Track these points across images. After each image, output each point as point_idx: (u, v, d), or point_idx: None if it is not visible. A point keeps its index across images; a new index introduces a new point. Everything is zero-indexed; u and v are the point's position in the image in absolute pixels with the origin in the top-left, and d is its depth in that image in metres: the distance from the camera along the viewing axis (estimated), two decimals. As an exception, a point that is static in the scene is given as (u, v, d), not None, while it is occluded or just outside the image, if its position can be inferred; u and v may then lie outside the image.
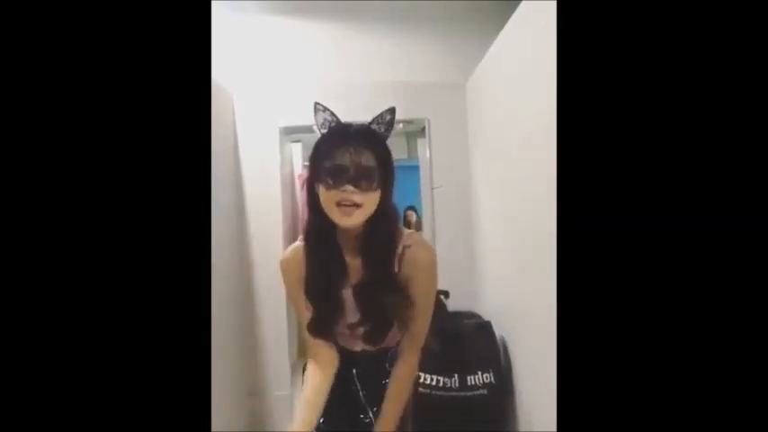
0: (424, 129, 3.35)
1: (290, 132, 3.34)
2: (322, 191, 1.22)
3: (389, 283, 1.31)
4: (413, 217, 4.67)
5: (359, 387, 1.49)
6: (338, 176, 1.18)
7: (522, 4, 2.08)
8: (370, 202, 1.21)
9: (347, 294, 1.35)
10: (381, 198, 1.24)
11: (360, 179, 1.19)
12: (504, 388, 2.59)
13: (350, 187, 1.18)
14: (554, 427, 1.52)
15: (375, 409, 1.46)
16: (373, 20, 3.36)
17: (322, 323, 1.37)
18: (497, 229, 2.74)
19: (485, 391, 2.57)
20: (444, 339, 2.71)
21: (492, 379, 2.58)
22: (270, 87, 3.28)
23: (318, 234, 1.33)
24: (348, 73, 3.22)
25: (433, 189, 3.35)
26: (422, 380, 2.62)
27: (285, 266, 1.45)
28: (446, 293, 3.04)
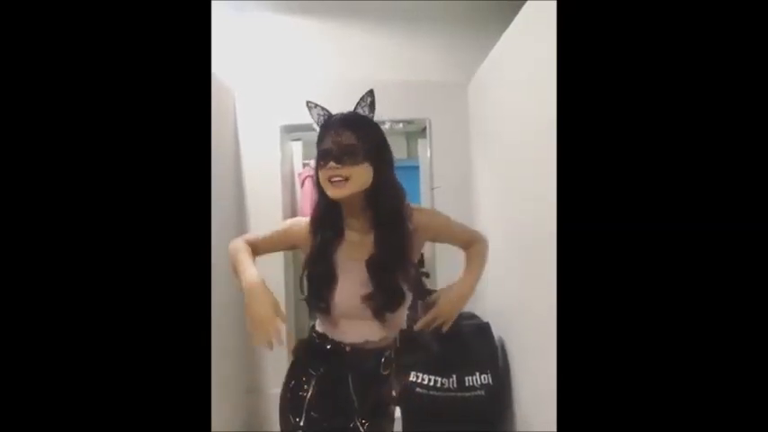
0: (424, 129, 3.35)
1: (290, 131, 3.34)
2: (318, 173, 1.38)
3: (401, 253, 1.40)
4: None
5: (353, 393, 1.45)
6: (324, 157, 1.35)
7: (526, 5, 2.08)
8: (357, 175, 1.34)
9: (360, 269, 1.39)
10: (376, 172, 1.37)
11: (341, 156, 1.33)
12: (501, 389, 2.59)
13: (332, 163, 1.33)
14: (552, 427, 1.52)
15: (366, 423, 1.45)
16: (375, 19, 3.36)
17: (320, 289, 1.41)
18: (497, 231, 2.74)
19: (482, 392, 2.57)
20: (442, 340, 2.71)
21: (490, 380, 2.58)
22: (271, 85, 3.28)
23: (323, 212, 1.44)
24: (349, 72, 3.21)
25: (432, 189, 3.35)
26: (419, 380, 2.62)
27: (290, 224, 1.54)
28: (445, 294, 3.03)
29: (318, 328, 1.50)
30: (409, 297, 1.44)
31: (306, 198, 4.14)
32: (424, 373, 2.62)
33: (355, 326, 1.42)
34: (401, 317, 1.48)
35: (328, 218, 1.43)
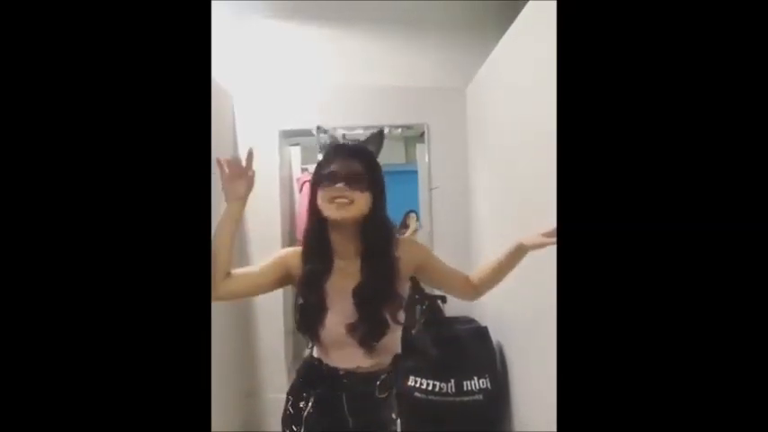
0: (422, 134, 3.36)
1: (289, 135, 3.35)
2: (320, 193, 1.41)
3: (388, 283, 1.43)
4: (413, 220, 4.67)
5: (347, 414, 1.47)
6: (332, 178, 1.40)
7: (524, 10, 2.09)
8: (360, 201, 1.40)
9: (346, 298, 1.41)
10: (373, 202, 1.43)
11: (350, 179, 1.39)
12: (500, 393, 2.59)
13: (341, 185, 1.38)
14: (549, 431, 1.52)
15: None
16: (374, 24, 3.37)
17: (309, 318, 1.43)
18: (495, 235, 2.74)
19: (481, 397, 2.57)
20: (441, 344, 2.71)
21: (488, 384, 2.58)
22: (270, 90, 3.29)
23: (313, 238, 1.47)
24: (348, 77, 3.22)
25: (431, 190, 3.35)
26: (418, 384, 2.62)
27: (283, 254, 1.54)
28: (443, 298, 3.04)
29: (314, 352, 1.53)
30: (395, 327, 1.45)
31: (304, 202, 4.14)
32: (422, 378, 2.62)
33: (346, 353, 1.44)
34: (393, 343, 1.50)
35: (318, 245, 1.46)
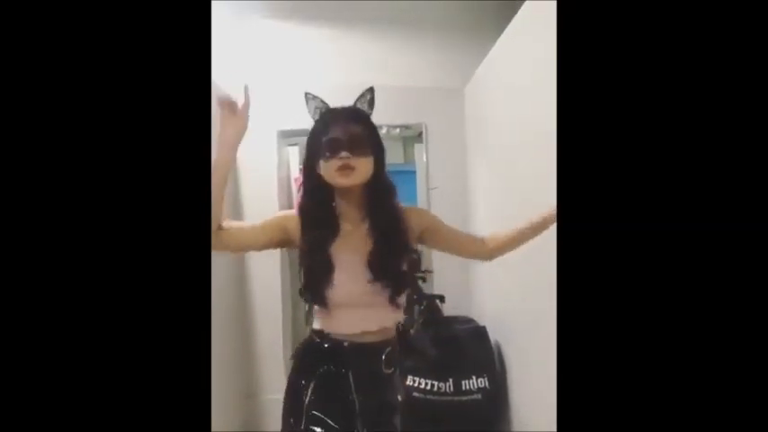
0: (421, 134, 3.36)
1: (287, 136, 3.35)
2: (322, 164, 1.39)
3: (401, 239, 1.45)
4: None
5: (354, 393, 1.41)
6: (335, 146, 1.37)
7: (521, 10, 2.10)
8: (363, 165, 1.38)
9: (356, 259, 1.40)
10: (375, 164, 1.42)
11: (353, 146, 1.37)
12: (498, 393, 2.60)
13: (345, 153, 1.36)
14: (548, 430, 1.52)
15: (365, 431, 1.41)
16: (372, 24, 3.37)
17: (317, 279, 1.40)
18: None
19: (479, 396, 2.58)
20: (439, 344, 2.71)
21: (486, 384, 2.58)
22: (268, 90, 3.28)
23: (317, 204, 1.44)
24: (346, 77, 3.22)
25: (429, 190, 3.35)
26: (416, 384, 2.62)
27: (282, 215, 1.49)
28: (442, 298, 3.04)
29: (316, 324, 1.47)
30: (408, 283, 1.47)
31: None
32: (420, 377, 2.62)
33: (353, 315, 1.41)
34: (401, 306, 1.49)
35: (322, 210, 1.44)
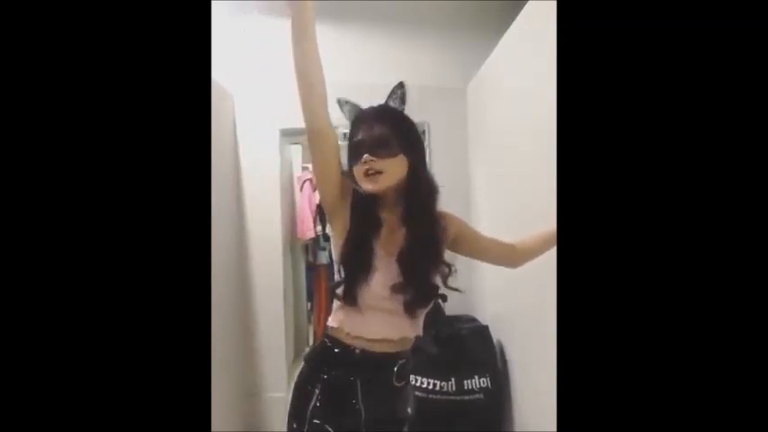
0: (423, 132, 3.36)
1: (289, 135, 3.35)
2: (354, 169, 1.34)
3: (433, 248, 1.39)
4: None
5: (360, 401, 1.36)
6: (357, 150, 1.32)
7: (525, 7, 2.09)
8: (392, 167, 1.31)
9: (390, 263, 1.35)
10: (411, 165, 1.35)
11: (375, 148, 1.30)
12: (500, 392, 2.59)
13: (368, 156, 1.29)
14: (550, 430, 1.52)
15: None
16: (374, 23, 3.37)
17: (356, 277, 1.34)
18: (496, 234, 2.73)
19: (481, 396, 2.57)
20: (441, 343, 2.71)
21: (488, 383, 2.58)
22: (270, 89, 3.28)
23: (362, 202, 1.38)
24: (348, 76, 3.22)
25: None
26: (419, 383, 2.61)
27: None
28: (444, 297, 3.03)
29: (332, 323, 1.41)
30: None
31: (305, 201, 4.15)
32: (422, 377, 2.62)
33: (377, 319, 1.35)
34: (421, 318, 1.45)
35: (367, 207, 1.37)
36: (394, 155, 1.31)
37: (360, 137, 1.33)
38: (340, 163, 1.37)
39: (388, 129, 1.33)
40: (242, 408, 3.16)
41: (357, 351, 1.36)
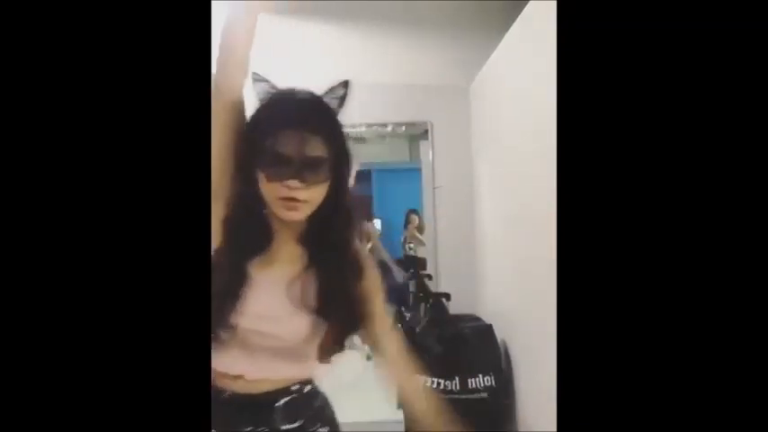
0: (426, 132, 3.35)
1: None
2: (262, 178, 1.05)
3: (344, 281, 1.13)
4: (416, 221, 4.67)
5: None
6: (280, 168, 1.02)
7: (528, 6, 2.09)
8: (317, 195, 1.06)
9: (277, 289, 1.10)
10: (331, 189, 1.08)
11: (305, 171, 1.01)
12: (504, 391, 2.59)
13: (294, 182, 1.01)
14: (554, 429, 1.52)
15: None
16: (376, 22, 3.36)
17: (218, 305, 1.01)
18: (499, 233, 2.74)
19: (485, 395, 2.57)
20: (445, 342, 2.71)
21: (493, 382, 2.58)
22: (271, 89, 3.27)
23: (244, 208, 1.10)
24: (350, 75, 3.21)
25: (434, 189, 3.35)
26: (423, 382, 2.62)
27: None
28: (447, 296, 3.04)
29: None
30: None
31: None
32: (426, 376, 2.62)
33: (253, 358, 1.10)
34: (315, 358, 1.17)
35: (251, 221, 1.10)
36: (323, 180, 1.05)
37: (286, 150, 1.02)
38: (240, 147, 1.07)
39: (323, 146, 1.05)
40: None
41: (226, 395, 1.11)
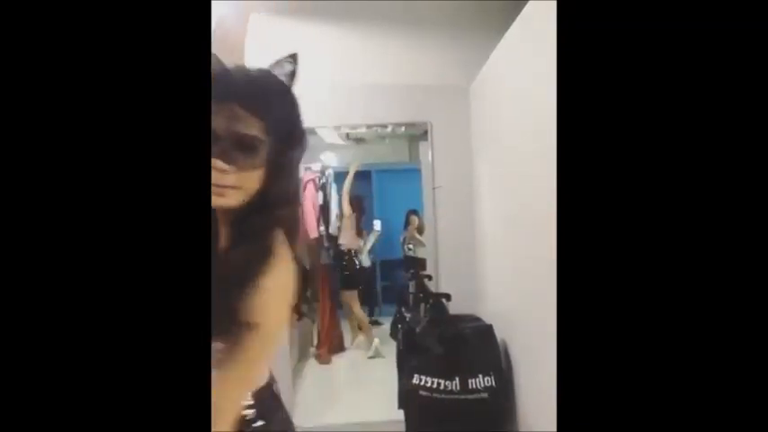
0: (426, 132, 3.35)
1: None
2: None
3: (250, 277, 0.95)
4: (416, 221, 4.67)
5: None
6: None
7: (527, 6, 2.09)
8: (251, 181, 0.91)
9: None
10: (268, 176, 0.92)
11: (235, 153, 0.87)
12: (505, 391, 2.59)
13: (219, 163, 0.87)
14: (554, 430, 1.51)
15: None
16: (376, 22, 3.36)
17: None
18: (499, 233, 2.74)
19: (486, 395, 2.57)
20: (446, 342, 2.71)
21: (493, 382, 2.58)
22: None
23: None
24: (350, 75, 3.22)
25: (434, 189, 3.35)
26: (422, 383, 2.62)
27: None
28: (448, 296, 3.04)
29: None
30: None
31: (307, 201, 4.15)
32: (427, 376, 2.62)
33: None
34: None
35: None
36: (257, 166, 0.90)
37: (216, 125, 0.87)
38: None
39: (261, 125, 0.88)
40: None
41: None
